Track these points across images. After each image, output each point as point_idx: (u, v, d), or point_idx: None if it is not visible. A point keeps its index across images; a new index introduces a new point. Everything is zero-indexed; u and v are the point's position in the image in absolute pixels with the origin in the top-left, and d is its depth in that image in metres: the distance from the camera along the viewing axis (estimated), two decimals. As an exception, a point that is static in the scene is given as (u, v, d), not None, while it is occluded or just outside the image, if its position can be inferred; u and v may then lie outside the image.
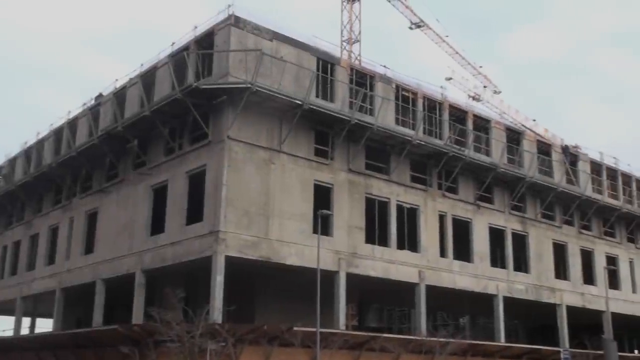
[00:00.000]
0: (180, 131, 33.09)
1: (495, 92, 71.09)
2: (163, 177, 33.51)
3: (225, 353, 25.23)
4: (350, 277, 33.04)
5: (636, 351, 57.43)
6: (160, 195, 33.53)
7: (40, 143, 46.11)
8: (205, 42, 32.62)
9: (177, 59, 33.00)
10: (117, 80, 38.92)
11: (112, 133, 35.17)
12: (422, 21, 66.36)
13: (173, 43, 34.31)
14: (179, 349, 24.40)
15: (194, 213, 30.81)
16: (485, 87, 71.51)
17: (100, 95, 40.63)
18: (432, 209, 38.12)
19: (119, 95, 37.84)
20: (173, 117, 32.25)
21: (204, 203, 30.28)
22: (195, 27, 33.25)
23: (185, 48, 33.12)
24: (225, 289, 28.25)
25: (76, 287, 39.08)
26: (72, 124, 42.61)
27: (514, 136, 44.58)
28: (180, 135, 33.08)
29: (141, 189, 34.94)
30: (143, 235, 33.86)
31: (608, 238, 49.98)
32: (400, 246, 36.10)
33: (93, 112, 40.31)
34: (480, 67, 71.03)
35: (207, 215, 29.98)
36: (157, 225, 33.14)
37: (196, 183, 31.19)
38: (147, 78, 35.65)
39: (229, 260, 28.72)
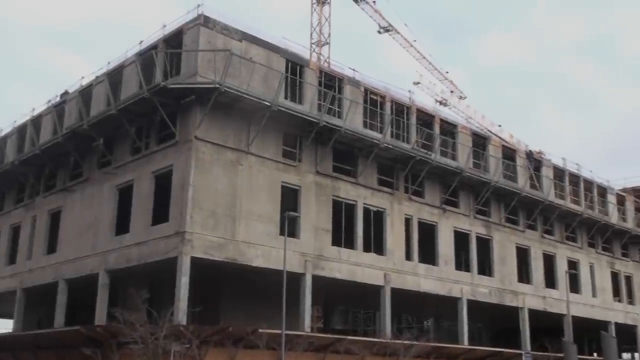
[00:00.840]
0: (147, 131, 32.80)
1: (460, 97, 71.87)
2: (129, 176, 33.17)
3: (189, 355, 25.07)
4: (316, 279, 33.10)
5: (595, 354, 58.52)
6: (125, 195, 33.18)
7: (2, 140, 45.25)
8: (173, 41, 32.40)
9: (145, 58, 32.72)
10: (83, 77, 38.51)
11: (77, 131, 34.69)
12: (390, 25, 66.79)
13: (141, 41, 34.01)
14: (142, 350, 24.17)
15: (160, 213, 30.56)
16: (452, 92, 72.26)
17: (66, 92, 40.05)
18: (399, 212, 38.41)
19: (85, 93, 37.35)
20: (140, 116, 31.96)
21: (170, 203, 30.05)
22: (164, 26, 33.04)
23: (154, 47, 32.85)
24: (190, 290, 28.08)
25: (38, 287, 38.46)
26: (36, 121, 41.93)
27: (479, 141, 45.14)
28: (147, 134, 32.78)
29: (106, 188, 34.54)
30: (107, 235, 33.47)
31: (569, 243, 50.89)
32: (367, 249, 36.28)
33: (58, 109, 39.73)
34: (447, 72, 71.78)
35: (173, 216, 29.76)
36: (122, 225, 32.79)
37: (162, 183, 30.94)
38: (114, 76, 35.27)
39: (195, 262, 28.55)
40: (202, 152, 30.02)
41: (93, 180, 35.84)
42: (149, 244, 30.36)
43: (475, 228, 43.17)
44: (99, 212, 34.51)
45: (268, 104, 31.20)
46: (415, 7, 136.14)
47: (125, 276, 32.69)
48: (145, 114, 31.50)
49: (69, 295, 35.75)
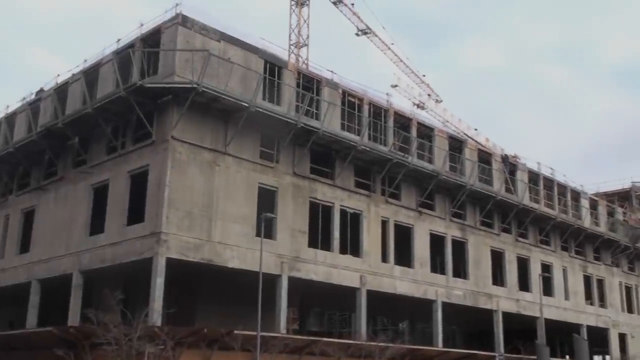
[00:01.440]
0: (123, 130, 32.54)
1: (436, 101, 72.22)
2: (104, 176, 32.87)
3: (163, 356, 24.89)
4: (293, 280, 33.08)
5: (567, 356, 59.16)
6: (100, 194, 32.88)
7: (-25, 138, 44.59)
8: (151, 40, 32.20)
9: (122, 57, 32.47)
10: (58, 75, 38.09)
11: (52, 130, 34.31)
12: (368, 28, 66.91)
13: (118, 40, 33.76)
14: (115, 351, 23.94)
15: (135, 214, 30.32)
16: (429, 95, 72.59)
17: (42, 90, 39.59)
18: (375, 214, 38.53)
19: (61, 91, 36.97)
20: (116, 115, 31.70)
21: (146, 204, 29.84)
22: (142, 25, 32.82)
23: (131, 46, 32.61)
24: (165, 291, 27.89)
25: (10, 287, 37.93)
26: (10, 119, 41.39)
27: (456, 144, 45.46)
28: (123, 134, 32.52)
29: (81, 187, 34.20)
30: (82, 235, 33.14)
31: (543, 246, 51.45)
32: (343, 251, 36.34)
33: (33, 107, 39.25)
34: (424, 75, 72.12)
35: (148, 216, 29.55)
36: (97, 225, 32.48)
37: (138, 183, 30.71)
38: (91, 75, 34.96)
39: (170, 262, 28.38)
40: (178, 152, 29.85)
41: (68, 179, 35.46)
42: (124, 245, 30.11)
43: (450, 231, 43.45)
44: (74, 212, 34.15)
45: (246, 104, 31.12)
46: (395, 11, 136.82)
47: (100, 277, 32.38)
48: (121, 113, 31.25)
49: (41, 295, 35.32)
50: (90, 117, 32.02)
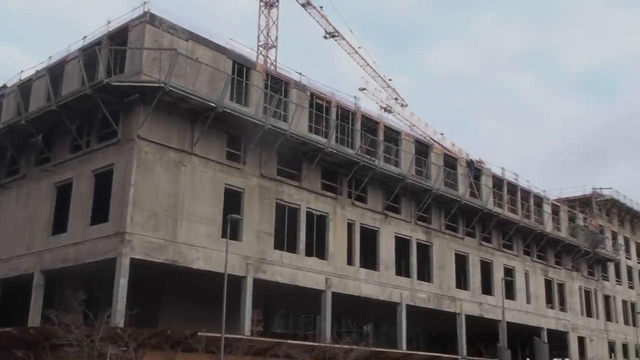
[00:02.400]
0: (88, 128, 32.11)
1: (401, 105, 72.75)
2: (68, 175, 32.39)
3: (126, 358, 24.61)
4: (258, 282, 33.00)
5: (528, 359, 60.11)
6: (63, 193, 32.40)
7: None
8: (118, 38, 31.85)
9: (88, 54, 32.05)
10: (22, 71, 37.41)
11: (14, 127, 33.68)
12: (336, 31, 67.14)
13: (84, 37, 33.34)
14: (77, 353, 23.60)
15: (99, 213, 29.95)
16: (396, 99, 73.13)
17: (4, 86, 38.83)
18: (341, 217, 38.64)
19: (24, 88, 36.32)
20: (81, 113, 31.27)
21: (110, 203, 29.49)
22: (109, 23, 32.44)
23: (97, 43, 32.22)
24: (129, 291, 27.60)
25: (-32, 286, 37.11)
26: (-29, 115, 40.49)
27: (422, 149, 45.84)
28: (88, 132, 32.10)
29: (44, 186, 33.65)
30: (44, 235, 32.61)
31: (506, 250, 52.15)
32: (309, 253, 36.37)
33: (-6, 103, 38.47)
34: (390, 79, 72.60)
35: (112, 216, 29.20)
36: (60, 224, 32.00)
37: (103, 182, 30.34)
38: (55, 71, 34.44)
39: (134, 263, 28.09)
40: (144, 151, 29.57)
41: (30, 177, 34.86)
42: (87, 244, 29.71)
43: (415, 234, 43.79)
44: (36, 211, 33.59)
45: (213, 105, 30.97)
46: (364, 15, 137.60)
47: (62, 277, 31.89)
48: (86, 111, 30.84)
49: (1, 295, 34.63)
50: (55, 115, 31.53)
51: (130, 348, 24.39)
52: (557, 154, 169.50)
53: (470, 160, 51.22)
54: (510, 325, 47.05)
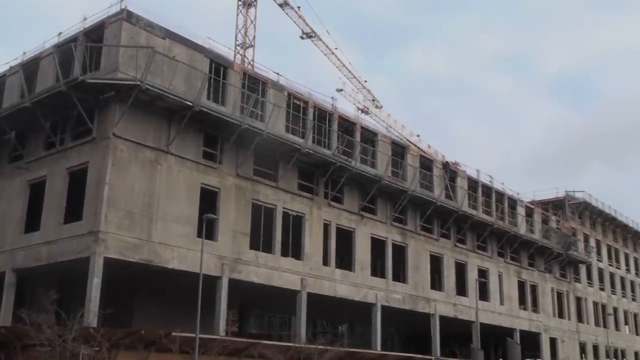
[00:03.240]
0: (62, 126, 31.75)
1: (376, 106, 72.93)
2: (41, 172, 31.99)
3: (99, 358, 24.35)
4: (233, 282, 32.89)
5: (501, 359, 60.66)
6: (37, 191, 31.99)
7: None
8: (94, 35, 31.52)
9: (64, 50, 31.68)
10: (-5, 67, 36.85)
11: (-14, 123, 33.17)
12: (313, 32, 67.12)
13: (60, 33, 32.95)
14: (49, 353, 23.30)
15: (73, 212, 29.62)
16: (373, 100, 73.31)
17: (-24, 82, 38.19)
18: (318, 217, 38.66)
19: (-3, 84, 35.79)
20: (56, 110, 30.89)
21: (84, 202, 29.18)
22: (85, 19, 32.12)
23: (73, 39, 31.86)
24: (102, 291, 27.35)
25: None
26: (-58, 110, 39.78)
27: (398, 150, 46.03)
28: (63, 130, 31.73)
29: (17, 183, 33.20)
30: (16, 233, 32.18)
31: (480, 252, 52.58)
32: (284, 253, 36.32)
33: (-34, 99, 37.84)
34: (365, 81, 72.72)
35: (86, 215, 28.90)
36: (32, 222, 31.60)
37: (77, 180, 30.01)
38: (30, 68, 34.00)
39: (108, 262, 27.83)
40: (119, 150, 29.31)
41: (3, 174, 34.36)
42: (61, 243, 29.38)
43: (391, 235, 43.96)
44: (8, 208, 33.12)
45: (190, 103, 30.80)
46: (343, 16, 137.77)
47: (34, 276, 31.52)
48: (61, 108, 30.48)
49: (-29, 294, 34.09)
50: (28, 112, 31.12)
51: (103, 348, 24.13)
52: (534, 156, 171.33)
53: (446, 162, 51.55)
54: (484, 326, 47.45)
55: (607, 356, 68.93)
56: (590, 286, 70.77)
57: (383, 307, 41.84)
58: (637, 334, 79.61)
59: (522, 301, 57.39)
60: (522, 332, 55.31)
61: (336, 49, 69.39)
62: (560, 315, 63.38)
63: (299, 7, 65.67)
